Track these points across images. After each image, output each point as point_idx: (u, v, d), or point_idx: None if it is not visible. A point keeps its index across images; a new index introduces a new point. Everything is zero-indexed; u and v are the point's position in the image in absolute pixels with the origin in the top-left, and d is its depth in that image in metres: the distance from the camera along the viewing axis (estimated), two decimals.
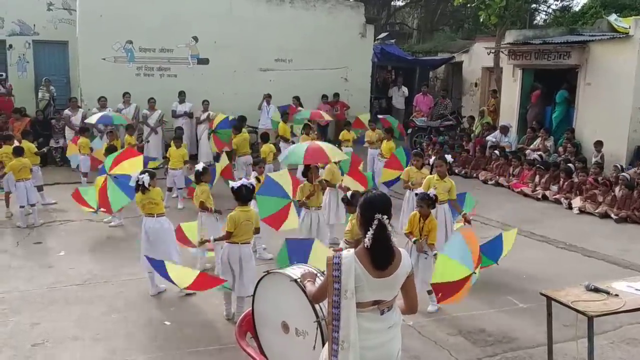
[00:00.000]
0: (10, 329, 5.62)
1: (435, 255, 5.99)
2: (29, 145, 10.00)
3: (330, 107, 15.83)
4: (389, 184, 9.97)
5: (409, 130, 16.37)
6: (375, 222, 3.06)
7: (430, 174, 7.46)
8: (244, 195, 5.82)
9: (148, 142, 12.94)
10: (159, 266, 5.63)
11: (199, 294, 6.41)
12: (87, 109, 13.64)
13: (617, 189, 10.49)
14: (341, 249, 3.70)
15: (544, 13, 26.60)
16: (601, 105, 12.48)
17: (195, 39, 14.93)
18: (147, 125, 13.48)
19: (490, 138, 14.33)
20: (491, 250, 6.38)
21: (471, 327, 5.83)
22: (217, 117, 12.56)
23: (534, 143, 13.56)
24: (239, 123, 11.96)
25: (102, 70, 14.00)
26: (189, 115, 14.04)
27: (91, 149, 11.15)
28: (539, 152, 13.04)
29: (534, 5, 23.97)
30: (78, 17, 14.39)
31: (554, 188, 11.53)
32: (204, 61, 15.08)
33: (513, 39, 14.48)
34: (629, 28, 12.13)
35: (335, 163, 8.21)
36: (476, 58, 17.92)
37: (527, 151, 13.34)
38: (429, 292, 6.11)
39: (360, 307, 3.11)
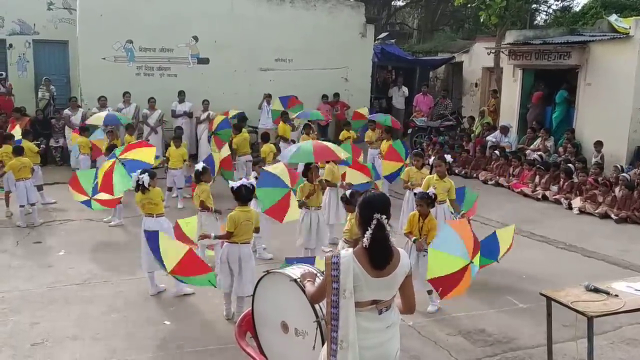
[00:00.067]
0: (10, 328, 5.62)
1: None
2: (29, 145, 10.00)
3: (330, 107, 15.84)
4: (390, 177, 9.93)
5: (409, 130, 16.39)
6: (374, 221, 3.06)
7: (430, 174, 7.47)
8: (243, 195, 5.82)
9: (148, 141, 12.92)
10: (153, 238, 5.69)
11: (199, 293, 6.41)
12: (87, 108, 13.64)
13: (617, 190, 10.50)
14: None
15: (545, 13, 26.64)
16: (601, 105, 12.48)
17: (196, 38, 14.92)
18: (147, 124, 13.49)
19: (491, 138, 14.33)
20: (487, 249, 6.33)
21: (471, 327, 5.83)
22: (216, 117, 12.56)
23: (534, 143, 13.56)
24: (239, 123, 11.97)
25: (102, 69, 13.99)
26: (189, 115, 14.05)
27: (91, 149, 11.15)
28: (539, 153, 13.05)
29: (534, 6, 23.96)
30: (78, 16, 14.39)
31: (554, 188, 11.53)
32: (204, 61, 15.07)
33: (513, 39, 14.48)
34: (629, 28, 12.13)
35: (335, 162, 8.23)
36: (476, 58, 17.92)
37: (527, 151, 13.34)
38: (429, 292, 6.12)
39: (359, 307, 3.11)
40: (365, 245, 3.08)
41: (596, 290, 4.49)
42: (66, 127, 13.41)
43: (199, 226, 7.00)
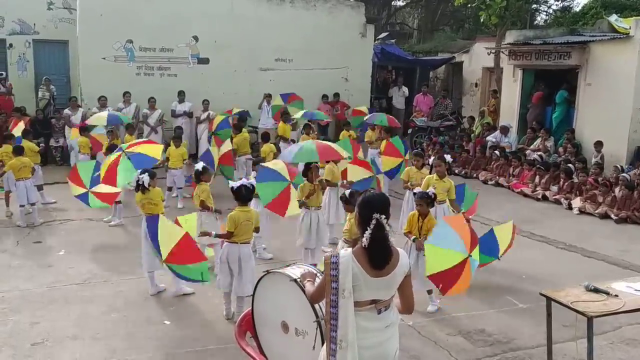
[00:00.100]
0: (10, 328, 5.62)
1: None
2: (29, 145, 10.00)
3: (330, 107, 15.84)
4: (390, 173, 9.89)
5: (409, 130, 16.39)
6: (374, 221, 3.07)
7: (430, 174, 7.47)
8: (243, 195, 5.83)
9: None
10: (153, 222, 5.76)
11: (199, 293, 6.42)
12: (87, 108, 13.64)
13: (617, 190, 10.50)
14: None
15: (545, 13, 26.66)
16: (601, 105, 12.48)
17: (196, 38, 14.92)
18: (147, 124, 13.51)
19: (491, 138, 14.33)
20: (486, 247, 6.29)
21: (471, 327, 5.83)
22: (216, 117, 12.56)
23: (534, 143, 13.56)
24: (239, 122, 11.97)
25: (102, 69, 13.99)
26: (189, 114, 14.06)
27: (91, 149, 11.14)
28: (539, 153, 13.05)
29: (534, 6, 23.98)
30: (78, 16, 14.38)
31: (554, 188, 11.53)
32: (204, 61, 15.07)
33: (513, 39, 14.48)
34: (630, 28, 12.13)
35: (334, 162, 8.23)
36: (476, 58, 17.93)
37: (527, 151, 13.34)
38: (429, 292, 6.12)
39: (358, 306, 3.11)
40: (365, 245, 3.09)
41: (596, 291, 4.49)
42: (66, 127, 13.41)
43: (198, 225, 6.99)
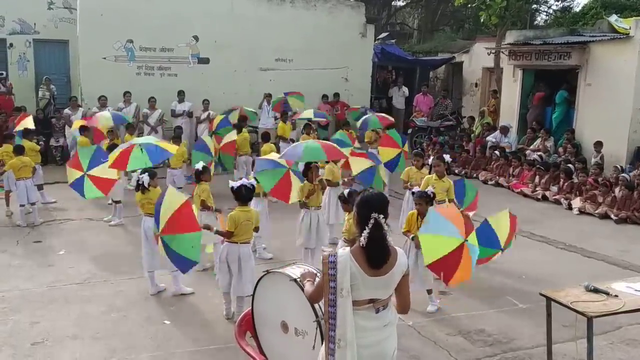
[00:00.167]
0: (10, 327, 5.62)
1: None
2: (30, 144, 10.00)
3: (330, 107, 15.84)
4: (389, 165, 9.73)
5: (409, 130, 16.38)
6: (372, 221, 3.07)
7: (429, 174, 7.48)
8: (243, 195, 5.83)
9: None
10: (162, 194, 5.75)
11: (199, 293, 6.42)
12: (87, 108, 13.65)
13: (617, 190, 10.50)
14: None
15: (545, 14, 26.68)
16: (601, 105, 12.48)
17: (196, 38, 14.93)
18: (147, 124, 13.51)
19: (491, 138, 14.33)
20: (484, 239, 5.92)
21: (471, 327, 5.83)
22: (216, 117, 12.56)
23: (534, 143, 13.56)
24: (239, 122, 11.97)
25: (102, 69, 13.99)
26: (189, 114, 14.07)
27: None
28: (539, 153, 13.05)
29: (534, 6, 23.99)
30: (79, 16, 14.39)
31: (554, 188, 11.53)
32: (204, 60, 15.07)
33: (513, 39, 14.48)
34: (630, 29, 12.14)
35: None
36: (476, 58, 17.93)
37: (527, 151, 13.35)
38: (429, 292, 6.13)
39: (356, 306, 3.12)
40: (363, 244, 3.09)
41: (596, 291, 4.49)
42: (66, 127, 13.41)
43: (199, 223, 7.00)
